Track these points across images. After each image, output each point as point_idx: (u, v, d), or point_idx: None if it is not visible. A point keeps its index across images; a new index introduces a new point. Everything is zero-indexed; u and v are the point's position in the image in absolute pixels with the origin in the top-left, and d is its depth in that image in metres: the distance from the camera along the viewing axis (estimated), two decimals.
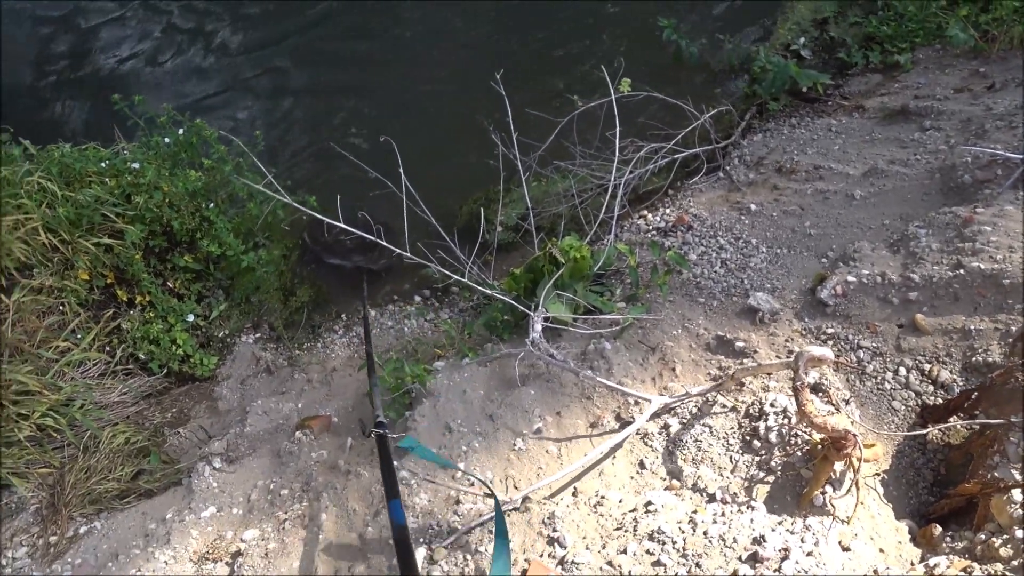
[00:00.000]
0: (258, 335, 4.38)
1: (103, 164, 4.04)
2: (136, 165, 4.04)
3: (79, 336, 3.77)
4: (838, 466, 2.26)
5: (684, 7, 5.64)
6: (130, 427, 3.55)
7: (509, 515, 2.52)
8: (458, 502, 2.66)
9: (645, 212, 4.50)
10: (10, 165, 3.91)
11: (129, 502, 3.35)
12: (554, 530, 2.37)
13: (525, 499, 2.57)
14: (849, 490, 2.21)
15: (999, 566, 1.94)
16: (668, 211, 4.41)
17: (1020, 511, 2.06)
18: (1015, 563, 1.92)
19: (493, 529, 2.36)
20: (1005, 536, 2.02)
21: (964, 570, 1.98)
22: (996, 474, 2.21)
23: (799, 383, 2.24)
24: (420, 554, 2.40)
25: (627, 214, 4.52)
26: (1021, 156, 3.40)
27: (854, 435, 2.07)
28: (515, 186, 4.48)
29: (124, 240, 3.93)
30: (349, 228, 3.18)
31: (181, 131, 4.25)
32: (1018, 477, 2.16)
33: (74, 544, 3.17)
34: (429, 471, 2.83)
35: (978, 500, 2.23)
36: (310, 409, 3.66)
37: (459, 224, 4.64)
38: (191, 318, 4.18)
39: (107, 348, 3.90)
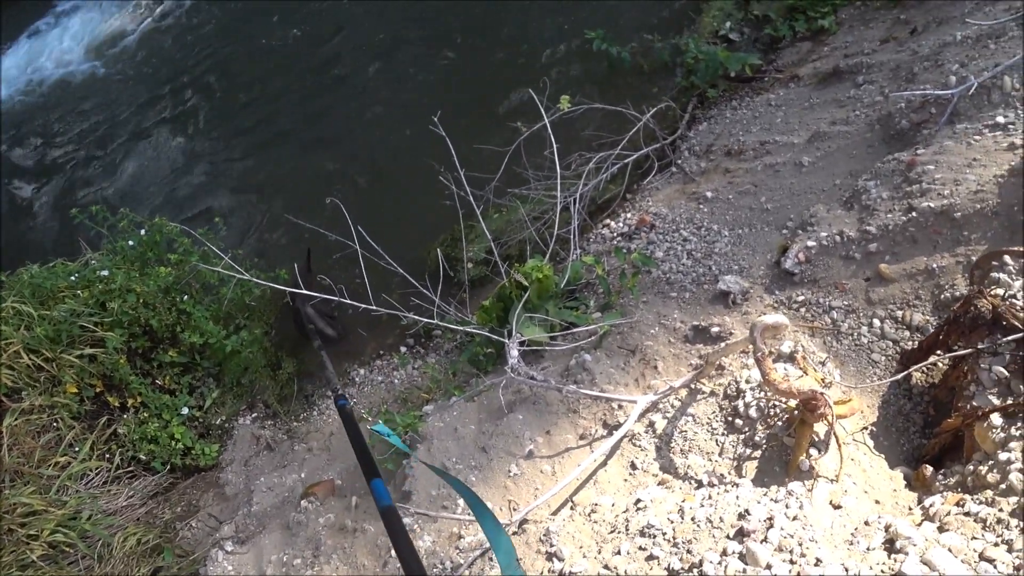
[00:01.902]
0: (254, 415, 4.41)
1: (73, 277, 4.12)
2: (105, 272, 4.11)
3: (76, 449, 3.80)
4: (820, 428, 2.26)
5: (609, 16, 5.74)
6: (140, 528, 3.57)
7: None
8: (460, 537, 2.67)
9: (607, 220, 4.54)
10: None
11: None
12: (551, 545, 2.37)
13: (522, 522, 2.56)
14: (831, 448, 2.21)
15: (989, 493, 1.93)
16: (629, 215, 4.45)
17: (1001, 435, 2.06)
18: (1003, 486, 1.91)
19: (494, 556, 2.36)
20: (991, 462, 2.02)
21: (957, 503, 1.97)
22: (975, 403, 2.21)
23: (760, 354, 2.26)
24: None
25: (589, 226, 4.56)
26: (950, 92, 3.44)
27: (821, 393, 2.08)
28: (476, 222, 4.53)
29: (106, 347, 3.98)
30: (307, 292, 3.24)
31: (143, 231, 4.32)
32: (996, 402, 2.16)
33: None
34: (431, 512, 2.83)
35: (964, 433, 2.23)
36: (313, 476, 3.67)
37: (430, 268, 4.67)
38: (186, 411, 4.21)
39: (106, 455, 3.92)
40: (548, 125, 3.91)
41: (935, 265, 2.97)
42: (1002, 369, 2.17)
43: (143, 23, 7.63)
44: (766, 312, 3.29)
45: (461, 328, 3.61)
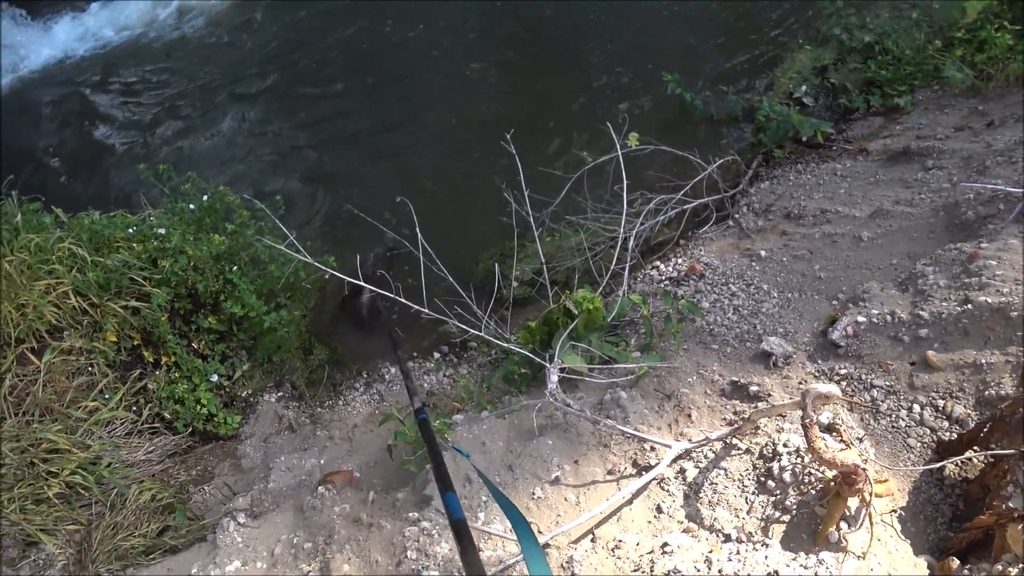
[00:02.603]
0: (280, 394, 4.49)
1: (131, 230, 4.23)
2: (162, 231, 4.22)
3: (107, 396, 3.89)
4: (852, 503, 2.30)
5: (688, 61, 5.86)
6: (156, 484, 3.64)
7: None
8: (479, 550, 2.71)
9: (657, 263, 4.61)
10: (42, 232, 4.12)
11: (154, 558, 3.43)
12: (572, 573, 2.41)
13: (545, 545, 2.61)
14: (862, 524, 2.25)
15: None
16: (680, 261, 4.52)
17: None
18: None
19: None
20: (1021, 565, 2.05)
21: None
22: (1010, 504, 2.25)
23: (807, 420, 2.31)
24: None
25: (639, 265, 4.62)
26: (1022, 190, 3.49)
27: (864, 469, 2.13)
28: (529, 242, 4.61)
29: (151, 303, 4.08)
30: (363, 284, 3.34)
31: (205, 197, 4.44)
32: None
33: None
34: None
35: (995, 532, 2.26)
36: (332, 465, 3.74)
37: (475, 280, 4.77)
38: (215, 378, 4.30)
39: (134, 407, 4.01)
40: (621, 159, 3.98)
41: (984, 360, 3.00)
42: None
43: None
44: (807, 379, 3.33)
45: (504, 344, 3.68)
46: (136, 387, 4.06)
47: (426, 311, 3.35)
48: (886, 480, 2.50)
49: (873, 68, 5.08)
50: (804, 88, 5.21)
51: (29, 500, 3.39)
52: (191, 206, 4.43)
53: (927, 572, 2.31)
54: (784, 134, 4.86)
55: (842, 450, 2.39)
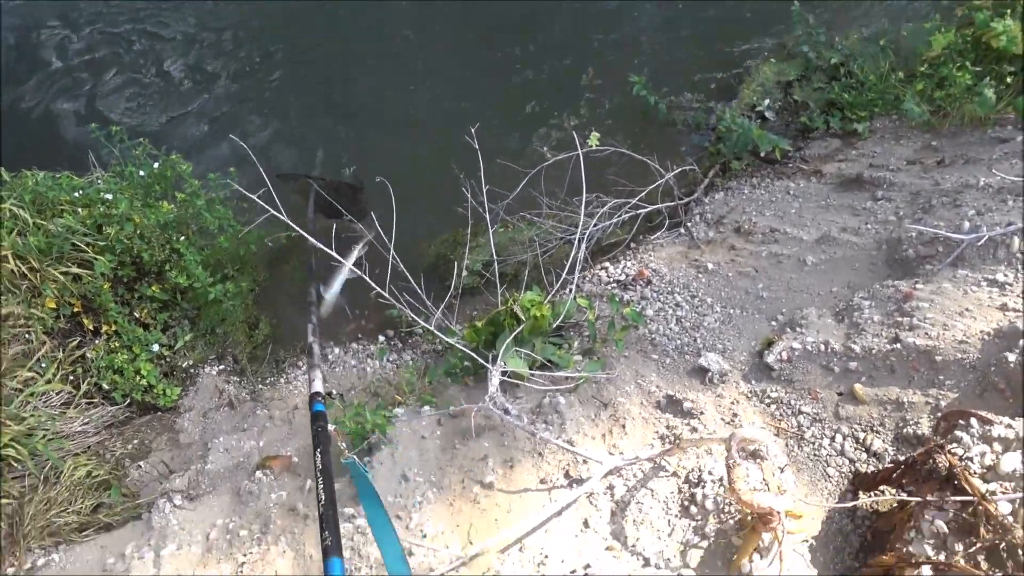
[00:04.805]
0: (222, 367, 4.51)
1: (76, 194, 4.16)
2: (109, 196, 4.16)
3: (43, 365, 3.87)
4: (766, 536, 2.47)
5: (659, 64, 5.93)
6: (92, 460, 3.67)
7: (458, 570, 2.70)
8: (410, 553, 2.83)
9: (607, 264, 4.73)
10: None
11: (88, 535, 3.48)
12: None
13: (477, 554, 2.74)
14: (773, 560, 2.43)
15: None
16: (629, 264, 4.64)
17: None
18: None
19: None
20: None
21: None
22: (911, 548, 2.44)
23: (731, 461, 2.46)
24: None
25: (588, 265, 4.73)
26: (961, 237, 3.68)
27: (778, 512, 2.29)
28: (482, 232, 4.67)
29: (93, 270, 4.04)
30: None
31: (156, 164, 4.38)
32: (931, 553, 2.39)
33: None
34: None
35: (894, 572, 2.46)
36: (271, 448, 3.81)
37: (425, 265, 4.84)
38: (156, 348, 4.29)
39: (71, 377, 4.00)
40: (581, 159, 4.05)
41: (906, 399, 3.20)
42: (943, 525, 2.40)
43: None
44: (739, 400, 3.51)
45: (449, 341, 3.76)
46: (74, 356, 4.04)
47: (385, 294, 3.42)
48: (801, 517, 2.68)
49: (837, 90, 5.23)
50: (767, 102, 5.34)
51: None
52: (141, 172, 4.37)
53: None
54: (744, 147, 4.99)
55: (761, 489, 2.56)
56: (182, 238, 4.36)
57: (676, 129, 5.46)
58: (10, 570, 3.33)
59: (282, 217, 3.23)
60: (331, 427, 3.22)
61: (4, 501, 3.47)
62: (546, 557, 2.70)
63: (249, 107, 6.20)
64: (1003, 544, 2.26)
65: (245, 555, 3.04)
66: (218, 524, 3.27)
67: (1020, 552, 2.18)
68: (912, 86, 4.96)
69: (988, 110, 4.56)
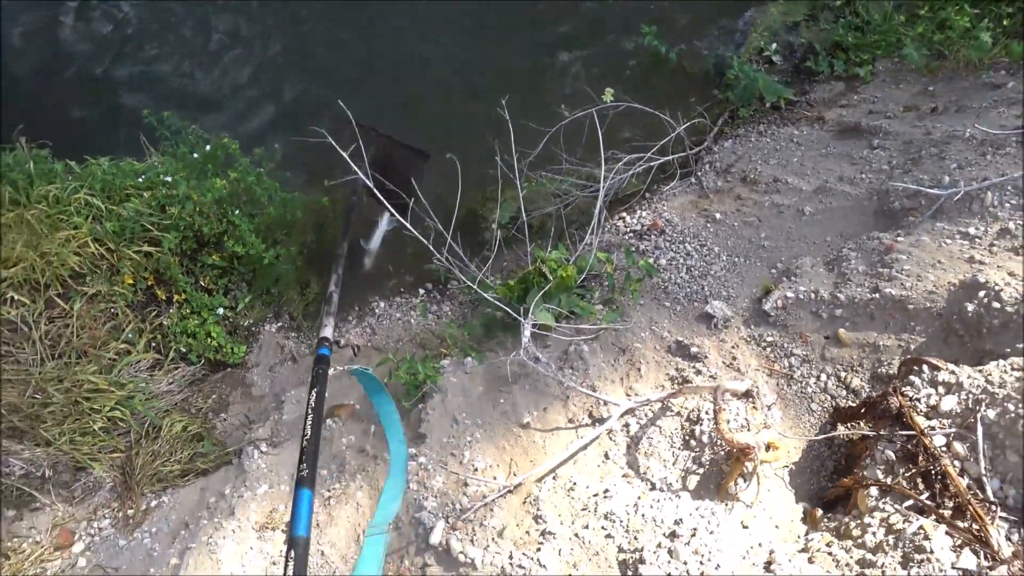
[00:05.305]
0: (280, 324, 5.36)
1: (140, 179, 4.92)
2: (169, 179, 4.91)
3: (130, 336, 4.72)
4: (749, 465, 3.30)
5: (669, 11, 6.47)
6: (185, 416, 4.55)
7: (505, 496, 3.56)
8: (466, 484, 3.69)
9: (624, 214, 5.43)
10: (56, 182, 4.78)
11: (189, 480, 4.39)
12: (538, 509, 3.41)
13: (518, 484, 3.60)
14: (751, 484, 3.26)
15: (850, 542, 3.00)
16: (644, 214, 5.35)
17: (873, 503, 3.11)
18: (860, 540, 2.97)
19: (492, 505, 3.41)
20: (859, 520, 3.08)
21: (827, 544, 3.04)
22: (865, 473, 3.25)
23: (717, 407, 3.26)
24: (439, 526, 3.43)
25: (607, 217, 5.44)
26: (939, 192, 4.33)
27: (753, 447, 3.11)
28: (508, 187, 5.38)
29: (161, 247, 4.84)
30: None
31: (208, 147, 5.11)
32: (880, 476, 3.20)
33: (148, 516, 4.23)
34: (442, 457, 3.86)
35: (852, 491, 3.28)
36: (335, 398, 4.65)
37: (458, 220, 5.57)
38: (221, 311, 5.14)
39: (153, 344, 4.86)
40: (595, 116, 4.69)
41: (881, 343, 3.95)
42: (891, 454, 3.19)
43: None
44: (739, 344, 4.27)
45: (487, 297, 4.53)
46: (153, 325, 4.89)
47: (437, 256, 4.19)
48: (777, 448, 3.50)
49: (841, 31, 5.74)
50: (774, 47, 5.88)
51: (77, 433, 4.28)
52: (195, 155, 5.10)
53: (801, 517, 3.35)
54: (750, 96, 5.58)
55: (740, 429, 3.37)
56: (236, 211, 5.12)
57: (687, 76, 6.04)
58: (130, 511, 4.27)
59: (349, 161, 3.78)
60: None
61: (115, 455, 4.40)
62: (574, 484, 3.55)
63: (288, 72, 6.86)
64: (934, 470, 3.06)
65: (328, 491, 3.93)
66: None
67: (940, 476, 2.98)
68: (913, 28, 5.47)
69: (983, 54, 5.10)
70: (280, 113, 6.55)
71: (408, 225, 4.05)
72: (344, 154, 3.75)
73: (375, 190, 3.97)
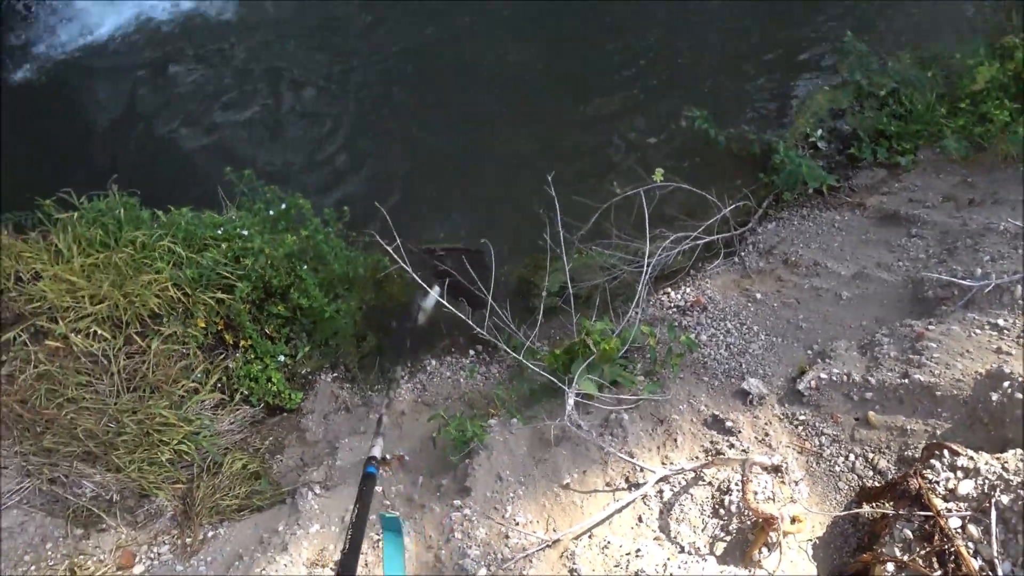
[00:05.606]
0: (335, 375, 5.84)
1: (219, 231, 5.49)
2: (245, 232, 5.47)
3: (198, 376, 5.24)
4: (773, 535, 3.65)
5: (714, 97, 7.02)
6: (245, 455, 5.03)
7: (544, 550, 3.95)
8: (507, 536, 4.09)
9: (668, 289, 5.86)
10: (142, 228, 5.37)
11: (244, 515, 4.83)
12: (574, 563, 3.79)
13: (556, 541, 3.98)
14: (774, 553, 3.61)
15: None
16: (688, 291, 5.77)
17: None
18: None
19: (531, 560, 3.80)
20: None
21: None
22: (884, 550, 3.59)
23: (744, 478, 3.64)
24: (481, 573, 3.83)
25: (652, 291, 5.88)
26: (971, 283, 4.70)
27: (777, 518, 3.47)
28: (556, 259, 5.86)
29: (233, 295, 5.37)
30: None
31: (283, 205, 5.69)
32: (898, 554, 3.53)
33: (204, 545, 4.67)
34: (485, 510, 4.26)
35: (870, 566, 3.61)
36: (386, 449, 5.09)
37: (509, 288, 6.06)
38: (282, 358, 5.64)
39: (218, 385, 5.37)
40: (643, 196, 5.18)
41: (909, 427, 4.28)
42: (909, 533, 3.53)
43: None
44: (772, 421, 4.63)
45: (533, 367, 4.97)
46: (220, 367, 5.40)
47: (481, 332, 4.67)
48: (802, 521, 3.85)
49: (885, 119, 6.18)
50: (820, 132, 6.34)
51: (145, 462, 4.77)
52: (270, 211, 5.68)
53: None
54: (795, 181, 6.02)
55: (767, 500, 3.74)
56: (303, 265, 5.66)
57: (734, 158, 6.52)
58: (188, 539, 4.73)
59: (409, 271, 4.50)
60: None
61: (177, 486, 4.87)
62: (608, 542, 3.92)
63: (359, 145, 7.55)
64: (948, 550, 3.39)
65: (378, 534, 4.35)
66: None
67: (954, 556, 3.31)
68: (954, 120, 5.89)
69: (1021, 148, 5.49)
70: (349, 179, 7.19)
71: (447, 304, 4.60)
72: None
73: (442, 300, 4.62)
